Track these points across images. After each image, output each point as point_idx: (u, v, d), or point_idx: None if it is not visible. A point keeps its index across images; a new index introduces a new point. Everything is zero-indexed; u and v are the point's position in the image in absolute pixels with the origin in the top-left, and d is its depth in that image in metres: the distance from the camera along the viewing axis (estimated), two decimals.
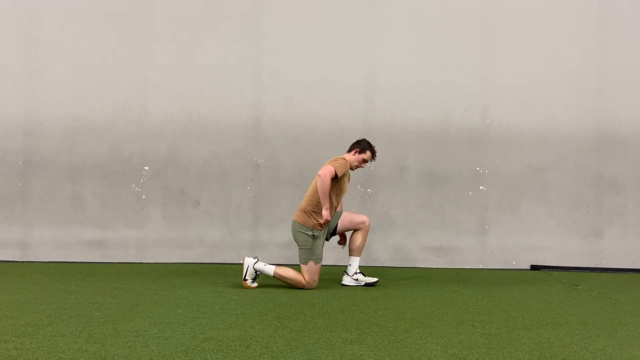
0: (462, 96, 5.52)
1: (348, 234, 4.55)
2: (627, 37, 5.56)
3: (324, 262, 5.08)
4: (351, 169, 4.35)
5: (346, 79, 5.51)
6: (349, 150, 4.39)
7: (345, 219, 4.38)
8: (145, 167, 5.48)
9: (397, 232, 5.49)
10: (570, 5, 5.56)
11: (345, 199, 5.37)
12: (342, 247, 4.68)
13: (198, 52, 5.50)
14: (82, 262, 5.37)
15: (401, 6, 5.54)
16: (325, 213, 4.12)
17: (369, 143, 4.37)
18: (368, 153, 4.34)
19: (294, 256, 5.34)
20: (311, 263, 4.18)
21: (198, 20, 5.50)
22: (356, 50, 5.53)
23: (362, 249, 4.43)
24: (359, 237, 4.37)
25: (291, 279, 4.21)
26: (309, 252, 4.18)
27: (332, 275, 4.82)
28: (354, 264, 4.40)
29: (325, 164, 4.27)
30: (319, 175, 4.10)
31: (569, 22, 5.56)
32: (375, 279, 4.42)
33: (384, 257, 5.47)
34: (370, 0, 5.53)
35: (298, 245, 4.25)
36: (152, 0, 5.49)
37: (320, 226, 4.22)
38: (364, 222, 4.37)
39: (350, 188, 5.46)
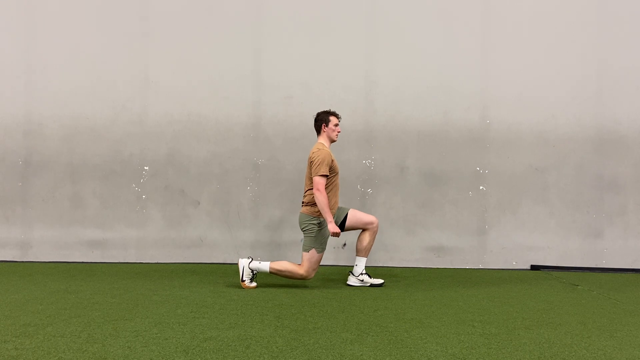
0: (462, 96, 5.52)
1: (355, 233, 4.54)
2: (627, 38, 5.56)
3: (325, 262, 5.11)
4: (334, 141, 4.36)
5: (346, 79, 5.51)
6: (318, 132, 4.37)
7: (354, 217, 4.35)
8: (145, 167, 5.48)
9: (397, 232, 5.49)
10: (570, 5, 5.57)
11: (345, 198, 5.37)
12: (343, 247, 4.68)
13: (198, 52, 5.50)
14: (82, 262, 5.37)
15: (401, 6, 5.54)
16: (331, 226, 4.06)
17: (324, 112, 4.34)
18: (332, 118, 4.31)
19: (294, 256, 5.34)
20: (313, 251, 4.17)
21: (198, 20, 5.50)
22: (356, 50, 5.53)
23: (369, 249, 4.41)
24: (366, 238, 4.35)
25: (288, 271, 4.18)
26: (313, 240, 4.16)
27: (332, 275, 4.82)
28: (360, 264, 4.38)
29: (308, 163, 4.23)
30: (315, 192, 4.07)
31: (569, 23, 5.57)
32: (381, 280, 4.41)
33: (384, 257, 5.47)
34: (370, 1, 5.54)
35: (303, 233, 4.23)
36: (152, 0, 5.50)
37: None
38: (372, 223, 4.35)
39: (350, 188, 5.46)
